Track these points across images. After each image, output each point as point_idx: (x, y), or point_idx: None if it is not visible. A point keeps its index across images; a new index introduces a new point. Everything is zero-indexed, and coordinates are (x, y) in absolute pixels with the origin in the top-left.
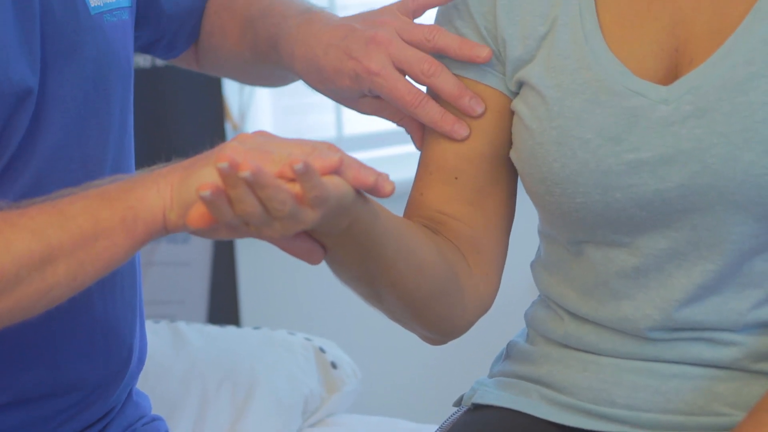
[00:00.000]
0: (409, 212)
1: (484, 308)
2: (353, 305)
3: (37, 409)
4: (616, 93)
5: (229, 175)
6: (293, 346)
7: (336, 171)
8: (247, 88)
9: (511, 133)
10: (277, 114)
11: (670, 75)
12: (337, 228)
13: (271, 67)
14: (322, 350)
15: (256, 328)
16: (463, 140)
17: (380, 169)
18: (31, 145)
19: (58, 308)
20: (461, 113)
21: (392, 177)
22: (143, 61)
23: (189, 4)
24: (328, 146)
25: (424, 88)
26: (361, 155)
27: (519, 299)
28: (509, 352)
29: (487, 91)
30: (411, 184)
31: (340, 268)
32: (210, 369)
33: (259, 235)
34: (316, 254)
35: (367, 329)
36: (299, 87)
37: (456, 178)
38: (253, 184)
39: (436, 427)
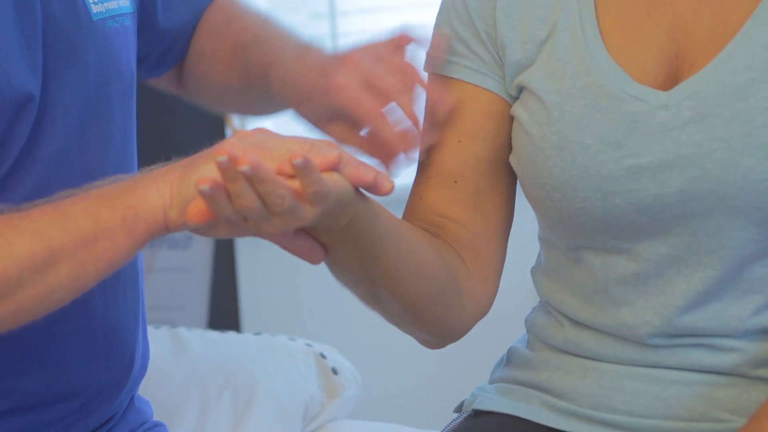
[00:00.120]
0: (408, 216)
1: (483, 312)
2: (354, 311)
3: (39, 415)
4: (615, 98)
5: (228, 169)
6: (294, 351)
7: (335, 168)
8: None
9: (510, 138)
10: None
11: (669, 80)
12: (336, 225)
13: (256, 94)
14: (322, 356)
15: (256, 333)
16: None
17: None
18: (32, 152)
19: (59, 313)
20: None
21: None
22: None
23: (183, 22)
24: (327, 143)
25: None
26: (361, 160)
27: (519, 305)
28: (510, 358)
29: (487, 95)
30: (409, 189)
31: (340, 269)
32: (211, 375)
33: (258, 232)
34: (316, 253)
35: (368, 335)
36: None
37: (455, 182)
38: (252, 179)
39: None
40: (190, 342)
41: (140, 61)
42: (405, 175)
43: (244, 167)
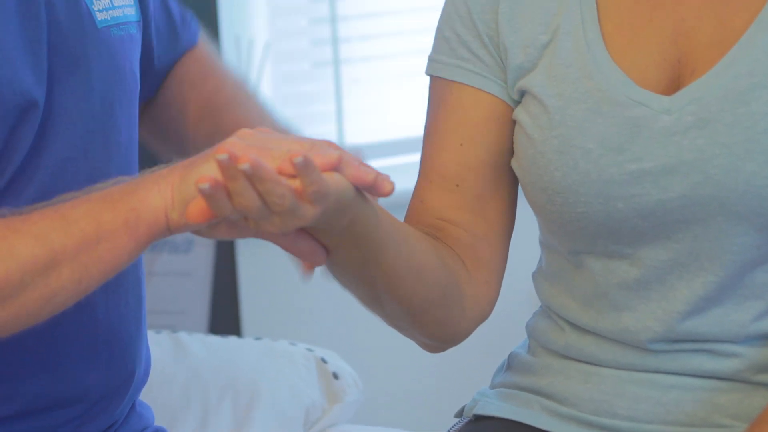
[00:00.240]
0: (409, 219)
1: (484, 316)
2: (355, 315)
3: (41, 420)
4: (618, 103)
5: (228, 167)
6: (294, 356)
7: (336, 167)
8: None
9: (512, 142)
10: None
11: (672, 85)
12: (337, 226)
13: None
14: (323, 361)
15: (257, 338)
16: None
17: None
18: (36, 158)
19: (61, 317)
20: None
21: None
22: None
23: (163, 62)
24: (328, 143)
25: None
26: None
27: (520, 310)
28: (510, 363)
29: (488, 98)
30: (411, 194)
31: (341, 271)
32: (212, 379)
33: (259, 232)
34: (318, 255)
35: (369, 340)
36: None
37: (457, 186)
38: (252, 177)
39: None
40: (190, 347)
41: None
42: (407, 179)
43: (244, 165)
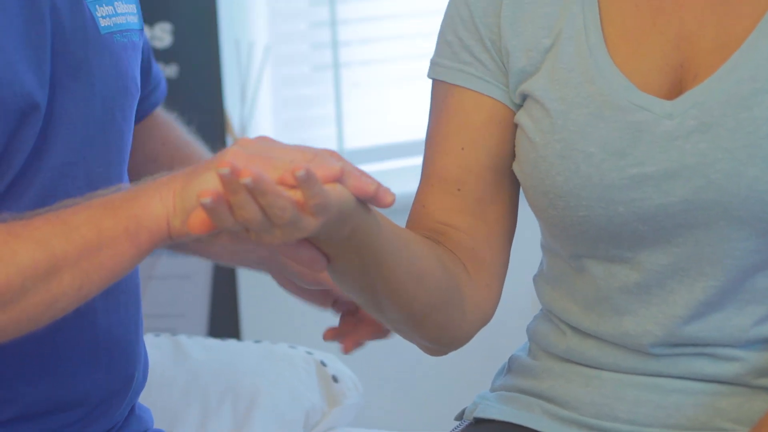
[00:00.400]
0: (411, 224)
1: (485, 319)
2: None
3: (41, 424)
4: (620, 107)
5: (230, 181)
6: (294, 359)
7: (337, 179)
8: (249, 102)
9: (513, 146)
10: (279, 127)
11: (674, 90)
12: (338, 236)
13: None
14: (323, 364)
15: (257, 341)
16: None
17: (382, 182)
18: (37, 162)
19: (62, 323)
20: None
21: (393, 190)
22: None
23: (157, 97)
24: (330, 153)
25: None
26: (363, 169)
27: (521, 313)
28: (511, 366)
29: (490, 102)
30: (412, 198)
31: (342, 278)
32: (211, 382)
33: (260, 243)
34: (318, 263)
35: (369, 343)
36: (301, 100)
37: (458, 190)
38: (254, 191)
39: None
40: (190, 350)
41: None
42: (406, 183)
43: (246, 179)
